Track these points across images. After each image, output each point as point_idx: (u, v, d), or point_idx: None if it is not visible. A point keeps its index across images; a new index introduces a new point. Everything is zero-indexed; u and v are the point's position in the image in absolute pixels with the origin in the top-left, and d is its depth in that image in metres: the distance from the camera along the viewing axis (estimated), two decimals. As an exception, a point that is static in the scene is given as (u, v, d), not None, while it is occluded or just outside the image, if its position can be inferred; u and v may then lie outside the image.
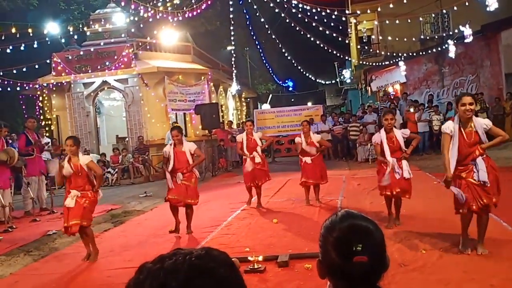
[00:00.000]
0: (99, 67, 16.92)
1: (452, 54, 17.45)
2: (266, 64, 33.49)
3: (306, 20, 19.62)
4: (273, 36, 24.27)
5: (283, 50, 25.67)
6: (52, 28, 15.64)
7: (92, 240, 6.42)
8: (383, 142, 6.70)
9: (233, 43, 22.62)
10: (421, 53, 19.70)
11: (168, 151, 7.33)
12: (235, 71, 23.50)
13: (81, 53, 17.31)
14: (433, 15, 21.93)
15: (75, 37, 17.32)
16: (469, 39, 17.06)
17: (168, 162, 7.34)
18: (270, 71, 35.38)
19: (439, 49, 18.72)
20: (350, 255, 1.25)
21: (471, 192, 5.07)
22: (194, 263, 0.91)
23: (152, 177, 15.79)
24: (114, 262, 6.22)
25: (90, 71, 17.00)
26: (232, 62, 22.90)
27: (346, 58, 26.94)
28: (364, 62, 23.56)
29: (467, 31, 16.99)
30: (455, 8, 18.56)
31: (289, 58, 26.47)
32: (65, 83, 17.22)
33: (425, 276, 4.63)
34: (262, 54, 31.33)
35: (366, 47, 25.95)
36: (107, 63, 16.85)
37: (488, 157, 5.25)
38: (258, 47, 29.57)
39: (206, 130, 16.37)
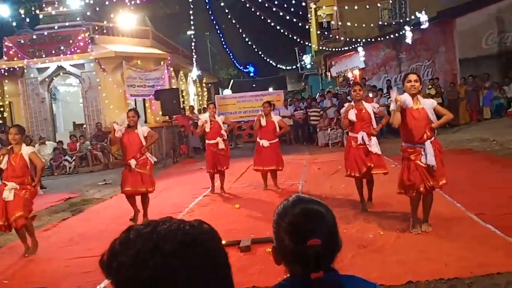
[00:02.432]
0: (53, 51, 16.33)
1: (409, 40, 17.83)
2: (227, 49, 33.21)
3: (266, 5, 19.54)
4: (234, 21, 24.05)
5: (244, 35, 25.50)
6: (3, 10, 14.96)
7: (32, 232, 6.27)
8: (350, 111, 6.45)
9: (193, 27, 22.26)
10: (379, 39, 20.01)
11: (120, 130, 7.06)
12: (195, 56, 23.20)
13: (34, 37, 16.65)
14: (390, 2, 22.30)
15: (27, 20, 16.63)
16: (425, 25, 17.47)
17: (114, 139, 7.33)
18: (231, 56, 35.13)
19: (397, 35, 19.05)
20: (303, 239, 1.26)
21: (419, 175, 5.28)
22: (188, 231, 0.93)
23: (111, 165, 15.50)
24: (74, 251, 6.10)
25: (44, 55, 16.37)
26: (192, 47, 22.57)
27: (307, 43, 27.07)
28: (324, 48, 23.75)
29: (423, 17, 17.38)
30: (412, -6, 18.93)
31: (249, 43, 26.35)
32: (17, 68, 16.54)
33: (383, 257, 4.76)
34: (222, 39, 31.03)
35: (326, 33, 26.17)
36: (62, 48, 16.27)
37: (436, 140, 5.45)
38: (219, 31, 29.25)
39: (167, 116, 16.15)
